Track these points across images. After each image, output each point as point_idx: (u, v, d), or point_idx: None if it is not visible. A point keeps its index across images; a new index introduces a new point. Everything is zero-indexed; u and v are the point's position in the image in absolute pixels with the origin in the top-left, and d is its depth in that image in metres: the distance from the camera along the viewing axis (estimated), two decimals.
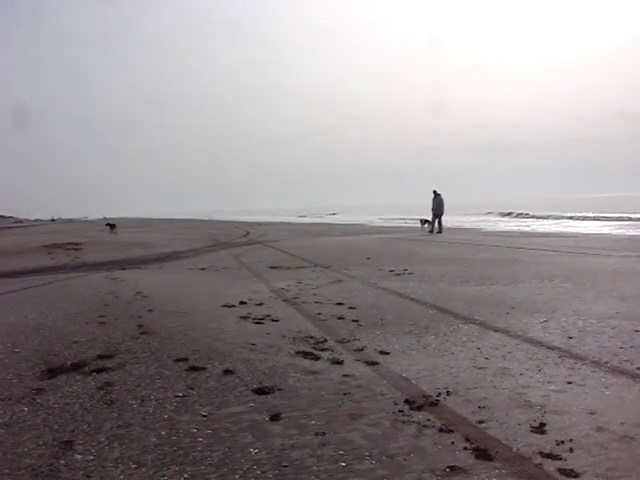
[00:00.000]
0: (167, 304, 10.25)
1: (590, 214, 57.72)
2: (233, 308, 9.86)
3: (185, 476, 3.81)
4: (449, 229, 36.05)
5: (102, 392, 5.52)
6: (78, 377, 6.00)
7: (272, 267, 16.54)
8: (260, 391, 5.51)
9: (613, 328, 7.88)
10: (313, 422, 4.72)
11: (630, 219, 46.16)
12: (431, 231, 33.14)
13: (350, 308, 9.67)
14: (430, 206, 33.57)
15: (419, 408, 5.00)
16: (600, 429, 4.52)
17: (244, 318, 8.97)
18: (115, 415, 4.92)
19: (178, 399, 5.31)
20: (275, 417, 4.84)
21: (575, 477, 3.77)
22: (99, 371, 6.18)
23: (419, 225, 36.17)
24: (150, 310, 9.63)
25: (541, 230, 37.58)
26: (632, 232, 32.11)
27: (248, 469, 3.91)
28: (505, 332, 7.84)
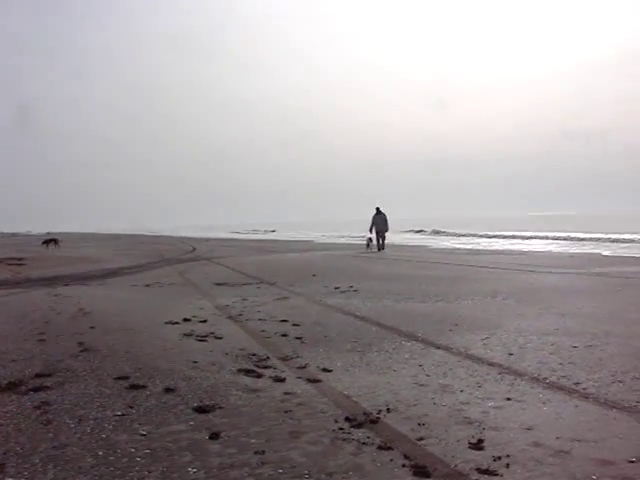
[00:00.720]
0: (110, 321, 10.11)
1: (534, 232, 58.65)
2: (177, 325, 9.77)
3: None
4: (395, 246, 36.26)
5: (38, 412, 5.40)
6: (14, 397, 5.85)
7: (217, 284, 16.46)
8: (201, 409, 5.45)
9: (552, 344, 8.01)
10: (253, 440, 4.69)
11: (571, 238, 47.02)
12: (378, 249, 33.02)
13: (294, 325, 9.67)
14: (370, 223, 33.54)
15: (359, 425, 5.01)
16: (536, 444, 4.58)
17: (187, 335, 8.90)
18: (51, 435, 4.81)
19: (117, 418, 5.22)
20: (215, 435, 4.79)
21: None
22: (36, 390, 6.04)
23: (365, 243, 35.45)
24: (92, 327, 9.47)
25: (487, 247, 38.15)
26: (573, 250, 32.78)
27: None
28: (447, 349, 7.92)
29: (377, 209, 33.36)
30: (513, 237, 52.72)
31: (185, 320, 10.20)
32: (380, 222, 33.24)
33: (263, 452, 4.44)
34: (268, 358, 7.47)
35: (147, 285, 16.44)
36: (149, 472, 4.09)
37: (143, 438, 4.74)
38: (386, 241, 34.09)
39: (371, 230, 33.67)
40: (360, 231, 58.04)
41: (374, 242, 33.81)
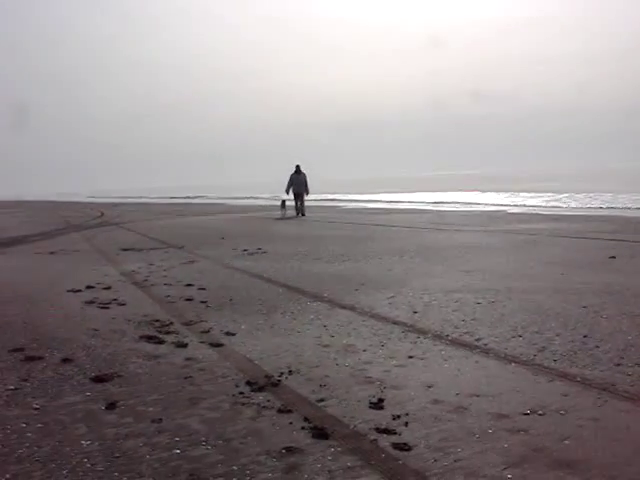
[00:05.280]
0: (7, 291, 9.77)
1: (444, 192, 59.57)
2: (79, 293, 9.49)
3: (7, 476, 3.59)
4: (308, 207, 35.88)
5: None
6: None
7: (124, 249, 16.07)
8: (98, 379, 5.31)
9: (456, 301, 8.13)
10: (151, 409, 4.60)
11: (478, 201, 47.91)
12: (297, 214, 29.08)
13: (200, 289, 9.54)
14: (287, 184, 29.18)
15: (260, 389, 4.97)
16: (436, 401, 4.64)
17: (89, 303, 8.65)
18: None
19: (9, 392, 5.02)
20: (111, 405, 4.67)
21: (407, 450, 3.83)
22: None
23: (279, 206, 30.33)
24: None
25: (397, 207, 38.59)
26: (482, 209, 33.48)
27: (77, 463, 3.73)
28: (352, 309, 7.94)
29: (297, 167, 29.21)
30: (419, 202, 53.21)
31: (88, 287, 9.91)
32: (299, 183, 29.07)
33: (160, 420, 4.36)
34: (171, 323, 7.34)
35: (52, 252, 15.92)
36: (40, 447, 3.95)
37: (36, 412, 4.58)
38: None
39: (287, 191, 29.45)
40: (271, 192, 57.67)
41: (291, 204, 29.60)
